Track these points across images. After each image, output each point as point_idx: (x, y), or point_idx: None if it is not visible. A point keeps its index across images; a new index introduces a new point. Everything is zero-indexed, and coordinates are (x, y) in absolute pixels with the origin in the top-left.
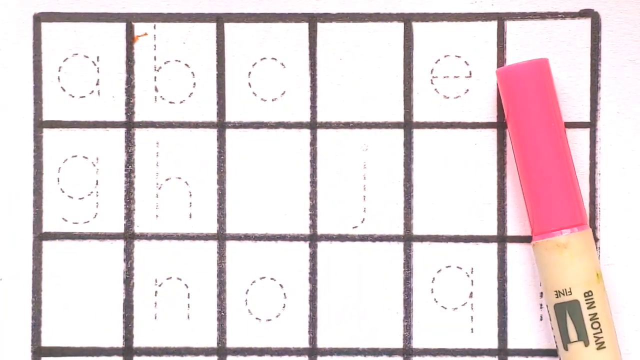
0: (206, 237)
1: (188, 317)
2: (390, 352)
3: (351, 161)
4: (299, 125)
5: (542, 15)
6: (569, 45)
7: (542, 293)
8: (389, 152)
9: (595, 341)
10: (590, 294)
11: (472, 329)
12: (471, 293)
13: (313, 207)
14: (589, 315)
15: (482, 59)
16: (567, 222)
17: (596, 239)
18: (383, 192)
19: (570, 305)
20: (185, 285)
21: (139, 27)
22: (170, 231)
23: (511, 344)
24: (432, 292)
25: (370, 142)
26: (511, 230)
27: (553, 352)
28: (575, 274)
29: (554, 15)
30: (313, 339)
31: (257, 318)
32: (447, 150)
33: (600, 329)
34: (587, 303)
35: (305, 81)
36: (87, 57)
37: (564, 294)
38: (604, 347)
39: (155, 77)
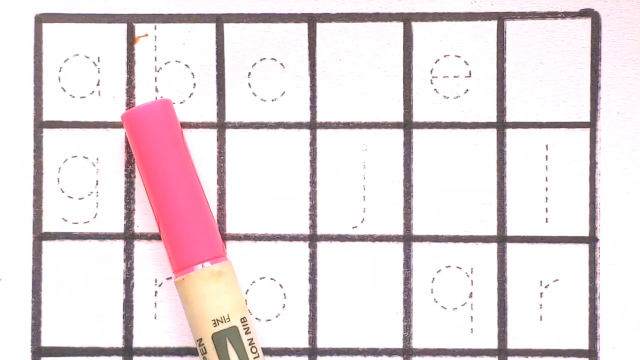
0: None
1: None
2: (390, 352)
3: (351, 161)
4: (299, 125)
5: (542, 15)
6: (569, 45)
7: (542, 293)
8: (388, 152)
9: None
10: (245, 320)
11: (471, 329)
12: (471, 293)
13: (313, 207)
14: (247, 340)
15: (482, 59)
16: (211, 254)
17: (596, 239)
18: (383, 192)
19: (230, 332)
20: None
21: (139, 28)
22: None
23: (511, 344)
24: (432, 292)
25: (370, 142)
26: (511, 230)
27: (553, 352)
28: (233, 300)
29: (553, 15)
30: (313, 339)
31: (257, 318)
32: (447, 150)
33: (258, 354)
34: (244, 328)
35: (305, 81)
36: (87, 57)
37: (222, 322)
38: None
39: (155, 78)
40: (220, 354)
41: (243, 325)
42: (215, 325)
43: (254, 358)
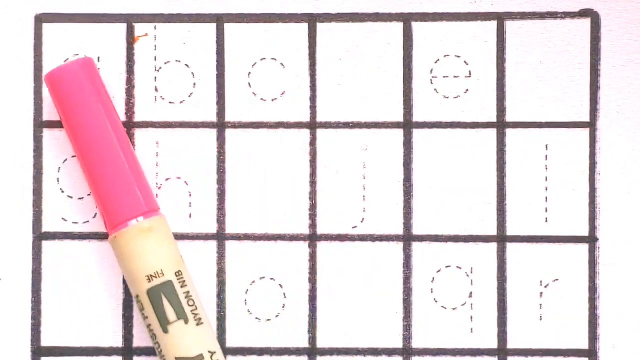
0: (206, 237)
1: None
2: (390, 352)
3: (351, 161)
4: (299, 125)
5: (542, 15)
6: (569, 45)
7: (542, 293)
8: (388, 152)
9: (194, 317)
10: (180, 273)
11: (471, 329)
12: (471, 293)
13: (313, 207)
14: (184, 293)
15: (482, 59)
16: (142, 210)
17: (596, 239)
18: (383, 192)
19: (165, 286)
20: None
21: (139, 28)
22: None
23: (511, 344)
24: (432, 292)
25: (370, 142)
26: (511, 230)
27: (553, 352)
28: (165, 255)
29: (553, 15)
30: (313, 339)
31: (257, 318)
32: (447, 150)
33: (196, 306)
34: (179, 282)
35: (305, 81)
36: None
37: (156, 277)
38: (202, 323)
39: (155, 78)
40: (156, 309)
41: (178, 279)
42: (150, 281)
43: (192, 311)
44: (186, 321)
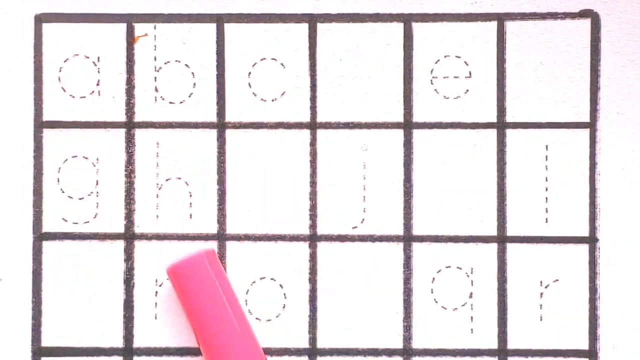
0: (206, 237)
1: None
2: (390, 352)
3: (351, 161)
4: (299, 125)
5: (542, 16)
6: (569, 45)
7: (542, 293)
8: (388, 152)
9: None
10: None
11: (472, 329)
12: (471, 293)
13: (313, 207)
14: None
15: (482, 59)
16: None
17: (596, 239)
18: (383, 192)
19: None
20: None
21: (139, 28)
22: (170, 231)
23: (511, 344)
24: (432, 292)
25: (370, 142)
26: (511, 230)
27: (553, 352)
28: None
29: (553, 16)
30: (313, 339)
31: (257, 318)
32: (447, 150)
33: None
34: None
35: (305, 81)
36: (87, 57)
37: None
38: None
39: (155, 78)
40: None
41: None
42: None
43: None
44: None
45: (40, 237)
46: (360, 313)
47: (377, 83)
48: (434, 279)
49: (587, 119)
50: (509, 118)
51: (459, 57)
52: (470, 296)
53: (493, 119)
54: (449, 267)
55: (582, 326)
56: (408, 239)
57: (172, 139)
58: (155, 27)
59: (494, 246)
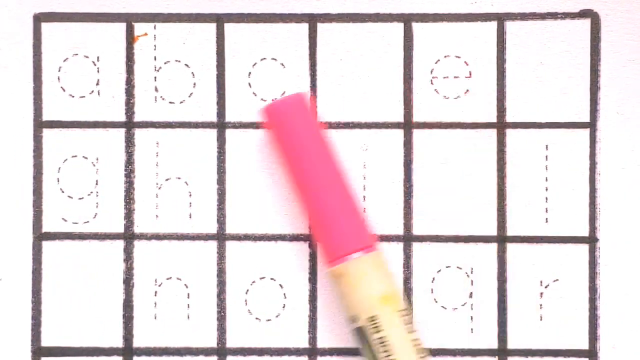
0: (206, 237)
1: (188, 317)
2: None
3: (351, 161)
4: None
5: (542, 16)
6: (569, 45)
7: (542, 293)
8: (389, 152)
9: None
10: (375, 318)
11: (472, 329)
12: (471, 293)
13: None
14: (377, 339)
15: (482, 59)
16: (364, 244)
17: (596, 239)
18: (383, 192)
19: (360, 331)
20: (185, 285)
21: (139, 27)
22: (170, 231)
23: (511, 344)
24: (432, 292)
25: (370, 142)
26: (511, 230)
27: (553, 352)
28: (357, 300)
29: (553, 16)
30: (313, 339)
31: (257, 318)
32: (447, 150)
33: (390, 352)
34: (372, 328)
35: (305, 81)
36: (87, 57)
37: (354, 321)
38: None
39: (155, 77)
40: (361, 348)
41: (372, 324)
42: (353, 322)
43: (386, 356)
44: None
45: (40, 237)
46: None
47: (377, 83)
48: (434, 278)
49: (587, 119)
50: (509, 118)
51: (459, 57)
52: (470, 296)
53: (493, 119)
54: (449, 267)
55: (582, 326)
56: (408, 239)
57: (172, 139)
58: (155, 27)
59: (494, 246)
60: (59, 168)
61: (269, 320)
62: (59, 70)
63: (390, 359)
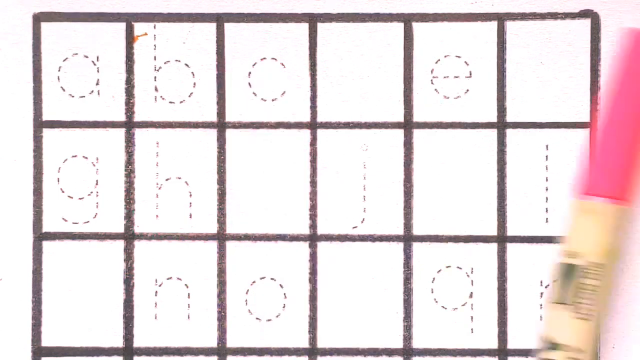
0: (206, 237)
1: (188, 317)
2: (390, 352)
3: (351, 161)
4: (299, 125)
5: (542, 16)
6: (569, 45)
7: (542, 293)
8: (389, 152)
9: (580, 310)
10: (600, 266)
11: (472, 329)
12: (471, 293)
13: (313, 207)
14: (590, 285)
15: (482, 59)
16: (610, 192)
17: None
18: (383, 192)
19: (572, 268)
20: (185, 285)
21: (138, 27)
22: (170, 231)
23: (511, 344)
24: (432, 292)
25: (370, 142)
26: (511, 230)
27: None
28: (591, 242)
29: (553, 16)
30: (313, 339)
31: (257, 318)
32: (447, 150)
33: (594, 303)
34: (593, 273)
35: (305, 81)
36: (86, 57)
37: (572, 257)
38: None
39: (155, 77)
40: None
41: (587, 269)
42: (567, 256)
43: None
44: (570, 309)
45: (40, 237)
46: (360, 313)
47: (377, 83)
48: (434, 278)
49: (587, 119)
50: (509, 118)
51: (459, 57)
52: (470, 296)
53: (493, 119)
54: (449, 267)
55: None
56: (408, 238)
57: (172, 139)
58: (155, 27)
59: (494, 246)
60: (59, 168)
61: (269, 320)
62: (59, 70)
63: (589, 309)
